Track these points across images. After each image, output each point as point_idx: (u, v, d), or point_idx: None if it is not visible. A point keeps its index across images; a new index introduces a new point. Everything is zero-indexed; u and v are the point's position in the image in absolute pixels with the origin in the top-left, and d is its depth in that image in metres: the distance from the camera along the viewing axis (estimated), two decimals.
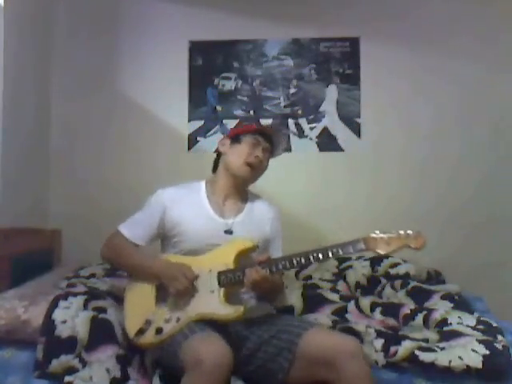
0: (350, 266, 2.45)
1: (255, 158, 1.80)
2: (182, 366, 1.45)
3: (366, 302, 2.08)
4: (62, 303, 1.80)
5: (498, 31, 2.85)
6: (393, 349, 1.68)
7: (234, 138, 1.86)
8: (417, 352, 1.64)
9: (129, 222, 1.79)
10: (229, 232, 1.75)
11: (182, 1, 2.97)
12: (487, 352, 1.60)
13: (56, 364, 1.64)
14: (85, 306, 1.82)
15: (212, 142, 2.82)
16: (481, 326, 1.80)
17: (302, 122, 2.94)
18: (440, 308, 1.99)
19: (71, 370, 1.63)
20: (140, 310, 1.69)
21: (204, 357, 1.39)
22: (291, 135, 2.92)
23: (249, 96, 2.97)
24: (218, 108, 2.97)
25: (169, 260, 1.73)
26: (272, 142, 1.86)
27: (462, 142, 2.86)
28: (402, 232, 1.54)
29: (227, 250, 1.68)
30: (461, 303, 2.06)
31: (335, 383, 1.46)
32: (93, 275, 2.28)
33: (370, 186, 2.90)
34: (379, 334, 1.78)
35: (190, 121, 2.97)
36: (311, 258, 1.58)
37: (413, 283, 2.26)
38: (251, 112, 2.96)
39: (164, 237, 1.81)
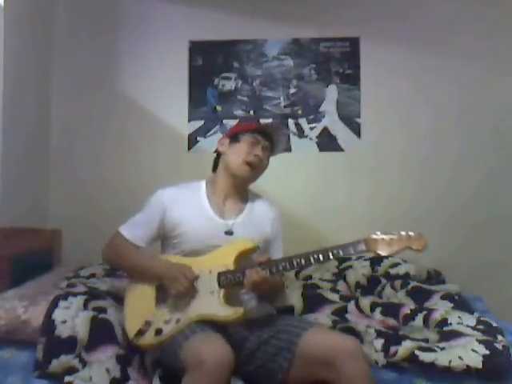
0: (350, 266, 2.45)
1: (255, 156, 1.78)
2: (183, 366, 1.45)
3: (366, 301, 2.08)
4: (61, 303, 1.80)
5: (497, 31, 2.85)
6: (393, 349, 1.68)
7: (233, 137, 1.84)
8: (417, 352, 1.64)
9: (129, 224, 1.79)
10: (229, 233, 1.74)
11: (182, 1, 2.97)
12: (487, 352, 1.60)
13: (56, 364, 1.64)
14: (85, 306, 1.81)
15: (212, 142, 2.81)
16: (481, 326, 1.81)
17: (302, 121, 2.93)
18: (440, 308, 1.99)
19: (71, 370, 1.63)
20: (140, 311, 1.68)
21: (205, 357, 1.38)
22: (291, 135, 2.92)
23: (249, 96, 2.97)
24: (218, 108, 2.97)
25: (169, 261, 1.72)
26: (272, 140, 1.84)
27: (462, 142, 2.86)
28: (403, 233, 1.52)
29: (227, 251, 1.67)
30: (461, 303, 2.06)
31: (335, 383, 1.46)
32: (93, 275, 2.28)
33: (370, 186, 2.89)
34: (379, 333, 1.78)
35: (189, 121, 2.96)
36: (311, 259, 1.56)
37: (413, 283, 2.26)
38: (251, 112, 2.96)
39: (164, 237, 1.81)
